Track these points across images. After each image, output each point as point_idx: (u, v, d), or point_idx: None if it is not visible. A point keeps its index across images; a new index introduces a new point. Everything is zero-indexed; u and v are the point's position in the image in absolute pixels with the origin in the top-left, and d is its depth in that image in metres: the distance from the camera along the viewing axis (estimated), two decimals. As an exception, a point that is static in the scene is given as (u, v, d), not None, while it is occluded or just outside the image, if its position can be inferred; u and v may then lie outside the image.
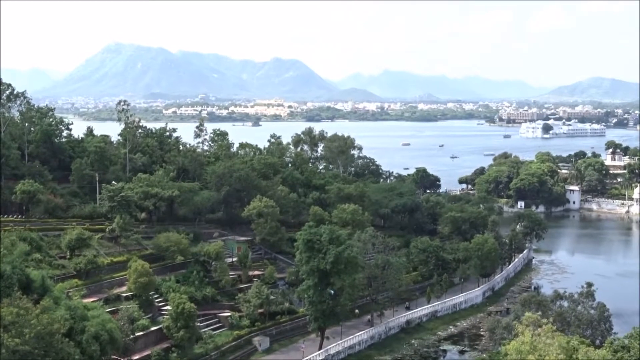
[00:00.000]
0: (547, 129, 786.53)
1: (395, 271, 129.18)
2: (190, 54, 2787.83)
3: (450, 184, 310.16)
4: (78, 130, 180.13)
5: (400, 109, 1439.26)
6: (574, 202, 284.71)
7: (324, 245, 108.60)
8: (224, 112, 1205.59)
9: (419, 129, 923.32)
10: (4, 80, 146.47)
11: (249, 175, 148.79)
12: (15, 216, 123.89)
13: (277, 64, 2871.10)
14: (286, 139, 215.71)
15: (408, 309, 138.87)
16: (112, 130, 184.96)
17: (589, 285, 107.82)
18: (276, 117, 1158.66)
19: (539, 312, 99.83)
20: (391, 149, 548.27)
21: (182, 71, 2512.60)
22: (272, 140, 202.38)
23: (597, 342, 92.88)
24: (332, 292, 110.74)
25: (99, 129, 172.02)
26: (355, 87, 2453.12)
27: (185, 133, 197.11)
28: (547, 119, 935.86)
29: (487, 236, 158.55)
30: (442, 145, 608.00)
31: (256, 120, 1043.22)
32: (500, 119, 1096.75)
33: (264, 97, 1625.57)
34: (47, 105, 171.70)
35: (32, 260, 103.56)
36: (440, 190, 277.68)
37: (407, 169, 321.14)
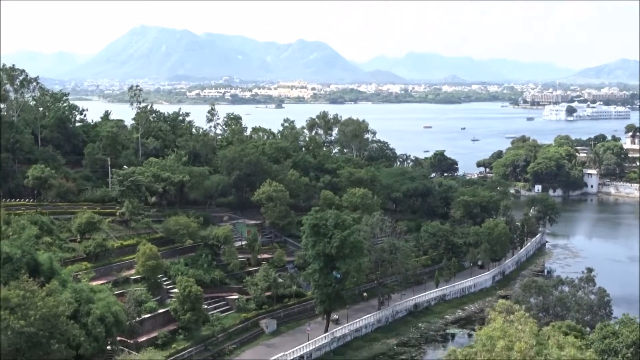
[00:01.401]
0: (570, 111, 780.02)
1: (402, 255, 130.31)
2: (214, 35, 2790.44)
3: (469, 167, 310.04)
4: (100, 112, 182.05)
5: (424, 91, 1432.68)
6: (591, 186, 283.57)
7: (330, 229, 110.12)
8: (248, 95, 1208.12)
9: (442, 111, 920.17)
10: (27, 64, 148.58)
11: (259, 160, 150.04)
12: (27, 200, 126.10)
13: (301, 46, 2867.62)
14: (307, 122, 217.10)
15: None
16: (134, 112, 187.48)
17: (590, 270, 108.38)
18: (299, 99, 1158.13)
19: (540, 297, 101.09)
20: (412, 132, 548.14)
21: (207, 53, 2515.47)
22: (286, 124, 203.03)
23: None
24: (338, 276, 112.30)
25: (122, 111, 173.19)
26: (379, 69, 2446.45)
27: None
28: (572, 101, 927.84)
29: (498, 220, 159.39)
30: (464, 128, 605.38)
31: (279, 102, 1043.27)
32: (525, 101, 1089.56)
33: (288, 79, 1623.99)
34: (72, 87, 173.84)
35: (43, 244, 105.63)
36: (458, 174, 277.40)
37: (427, 151, 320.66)
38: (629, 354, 65.59)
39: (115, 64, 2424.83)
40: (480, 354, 53.83)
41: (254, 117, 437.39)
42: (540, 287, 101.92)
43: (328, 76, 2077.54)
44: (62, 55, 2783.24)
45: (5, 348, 77.25)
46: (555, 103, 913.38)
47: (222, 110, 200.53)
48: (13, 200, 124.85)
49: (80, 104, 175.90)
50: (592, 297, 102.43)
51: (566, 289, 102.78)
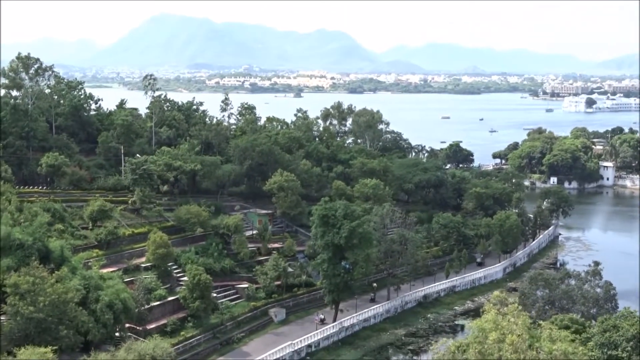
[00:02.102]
0: (590, 103, 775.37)
1: (412, 246, 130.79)
2: (234, 24, 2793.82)
3: (485, 159, 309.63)
4: (119, 99, 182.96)
5: (444, 81, 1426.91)
6: (607, 179, 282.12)
7: (339, 220, 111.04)
8: (267, 83, 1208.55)
9: (461, 102, 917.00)
10: (49, 51, 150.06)
11: (271, 150, 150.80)
12: (41, 187, 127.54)
13: (321, 35, 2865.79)
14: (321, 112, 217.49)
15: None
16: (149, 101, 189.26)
17: (596, 264, 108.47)
18: (318, 89, 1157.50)
19: (546, 290, 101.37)
20: (430, 122, 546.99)
21: (226, 42, 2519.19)
22: (299, 114, 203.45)
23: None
24: (347, 266, 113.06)
25: (140, 99, 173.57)
26: (399, 59, 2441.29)
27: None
28: (592, 93, 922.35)
29: (510, 212, 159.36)
30: (482, 119, 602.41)
31: (298, 91, 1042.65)
32: (544, 93, 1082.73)
33: (307, 69, 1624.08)
34: (93, 74, 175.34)
35: (55, 231, 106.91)
36: (473, 165, 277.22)
37: (444, 142, 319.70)
38: (629, 348, 65.85)
39: (135, 51, 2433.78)
40: (472, 346, 54.43)
41: (272, 106, 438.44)
42: (547, 279, 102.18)
43: (347, 66, 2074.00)
44: (83, 42, 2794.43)
45: (15, 333, 78.71)
46: (575, 95, 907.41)
47: (241, 99, 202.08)
48: (27, 187, 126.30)
49: (100, 92, 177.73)
50: (598, 290, 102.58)
51: (573, 282, 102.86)
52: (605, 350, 67.01)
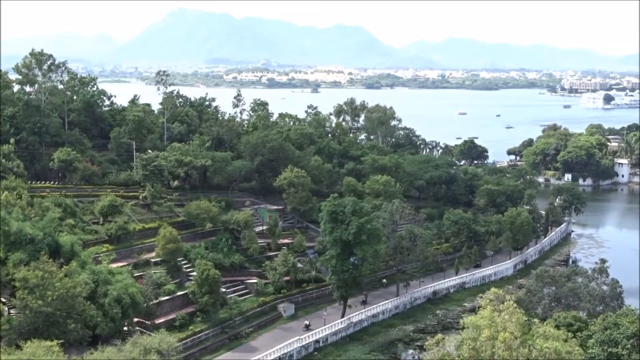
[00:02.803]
0: (608, 99, 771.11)
1: (421, 242, 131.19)
2: (253, 19, 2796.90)
3: (501, 155, 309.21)
4: (135, 94, 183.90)
5: (462, 77, 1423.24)
6: (622, 176, 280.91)
7: (347, 216, 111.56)
8: (284, 79, 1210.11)
9: (478, 97, 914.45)
10: (68, 46, 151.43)
11: (282, 146, 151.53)
12: (53, 182, 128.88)
13: (339, 31, 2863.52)
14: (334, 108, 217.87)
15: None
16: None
17: (603, 261, 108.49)
18: (335, 84, 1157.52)
19: (553, 288, 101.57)
20: (447, 118, 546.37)
21: (245, 37, 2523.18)
22: (309, 110, 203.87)
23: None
24: (355, 262, 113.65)
25: (156, 94, 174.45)
26: (418, 55, 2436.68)
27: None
28: (610, 89, 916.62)
29: (521, 209, 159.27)
30: (499, 115, 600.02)
31: (315, 87, 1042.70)
32: (562, 89, 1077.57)
33: (325, 64, 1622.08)
34: (111, 69, 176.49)
35: (66, 225, 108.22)
36: (488, 162, 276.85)
37: (459, 138, 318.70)
38: (629, 345, 66.10)
39: (154, 46, 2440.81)
40: (466, 342, 54.93)
41: (288, 102, 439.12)
42: (553, 277, 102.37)
43: (366, 61, 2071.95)
44: (102, 37, 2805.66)
45: (24, 326, 79.82)
46: (594, 91, 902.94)
47: (258, 94, 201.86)
48: (39, 182, 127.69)
49: (118, 86, 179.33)
50: (605, 288, 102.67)
51: (580, 279, 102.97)
52: (606, 347, 67.30)
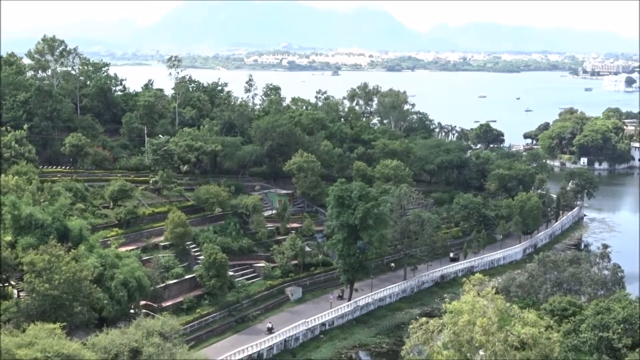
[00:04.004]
0: (629, 82, 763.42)
1: (429, 226, 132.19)
2: (274, 3, 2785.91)
3: (517, 139, 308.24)
4: (155, 77, 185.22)
5: (483, 59, 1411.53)
6: (638, 160, 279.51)
7: (354, 201, 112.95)
8: (305, 61, 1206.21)
9: (499, 80, 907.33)
10: (91, 30, 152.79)
11: (292, 131, 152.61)
12: (64, 167, 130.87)
13: (361, 14, 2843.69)
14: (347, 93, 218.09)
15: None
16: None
17: (605, 247, 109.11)
18: (356, 67, 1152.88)
19: (554, 272, 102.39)
20: (467, 101, 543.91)
21: (266, 20, 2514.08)
22: (319, 95, 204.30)
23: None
24: (361, 246, 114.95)
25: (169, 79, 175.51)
26: (440, 37, 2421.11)
27: (262, 82, 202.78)
28: (632, 71, 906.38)
29: (531, 194, 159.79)
30: (519, 98, 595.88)
31: (335, 69, 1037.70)
32: (584, 71, 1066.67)
33: (347, 47, 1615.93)
34: (133, 52, 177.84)
35: (76, 210, 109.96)
36: (504, 145, 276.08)
37: (477, 122, 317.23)
38: (620, 330, 66.87)
39: (175, 30, 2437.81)
40: (447, 326, 56.18)
41: (308, 85, 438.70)
42: (555, 262, 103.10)
43: (387, 44, 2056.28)
44: (125, 21, 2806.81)
45: (32, 309, 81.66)
46: (615, 73, 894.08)
47: (279, 76, 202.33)
48: (51, 167, 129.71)
49: (139, 69, 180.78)
50: (606, 272, 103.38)
51: (582, 264, 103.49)
52: (597, 332, 68.09)
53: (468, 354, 54.35)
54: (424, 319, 60.74)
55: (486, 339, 53.79)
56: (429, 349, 58.10)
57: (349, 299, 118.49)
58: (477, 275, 62.69)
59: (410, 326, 61.39)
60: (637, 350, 65.52)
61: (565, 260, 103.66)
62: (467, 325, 54.56)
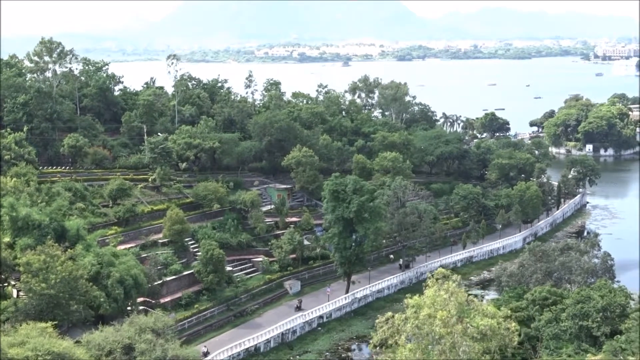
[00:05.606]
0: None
1: (427, 218, 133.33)
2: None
3: (524, 127, 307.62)
4: (164, 72, 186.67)
5: (494, 46, 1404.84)
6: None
7: (349, 195, 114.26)
8: (315, 53, 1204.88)
9: (510, 67, 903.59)
10: (102, 25, 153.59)
11: (290, 126, 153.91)
12: (64, 167, 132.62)
13: (372, 3, 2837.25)
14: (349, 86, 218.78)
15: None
16: (200, 73, 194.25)
17: (595, 235, 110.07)
18: (367, 57, 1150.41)
19: (545, 262, 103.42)
20: (476, 89, 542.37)
21: (277, 11, 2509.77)
22: (320, 89, 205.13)
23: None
24: (357, 239, 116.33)
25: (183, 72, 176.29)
26: (452, 24, 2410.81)
27: (270, 76, 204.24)
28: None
29: (530, 183, 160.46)
30: (529, 85, 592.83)
31: (346, 60, 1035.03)
32: (596, 56, 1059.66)
33: (357, 36, 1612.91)
34: (144, 47, 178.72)
35: (76, 209, 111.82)
36: (510, 134, 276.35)
37: (486, 110, 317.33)
38: (599, 319, 68.12)
39: (186, 24, 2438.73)
40: (410, 320, 57.61)
41: (317, 77, 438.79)
42: (545, 251, 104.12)
43: (399, 32, 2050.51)
44: (136, 16, 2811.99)
45: (29, 308, 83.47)
46: (627, 58, 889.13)
47: (289, 69, 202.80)
48: (51, 167, 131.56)
49: (149, 65, 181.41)
50: (596, 261, 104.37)
51: (572, 253, 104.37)
52: (577, 321, 69.35)
53: (429, 346, 55.86)
54: (389, 314, 62.22)
55: (446, 331, 55.34)
56: (394, 342, 59.59)
57: (347, 292, 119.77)
58: (440, 269, 64.01)
59: (377, 320, 62.86)
60: (615, 337, 66.71)
61: (556, 249, 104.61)
62: (427, 319, 56.13)
